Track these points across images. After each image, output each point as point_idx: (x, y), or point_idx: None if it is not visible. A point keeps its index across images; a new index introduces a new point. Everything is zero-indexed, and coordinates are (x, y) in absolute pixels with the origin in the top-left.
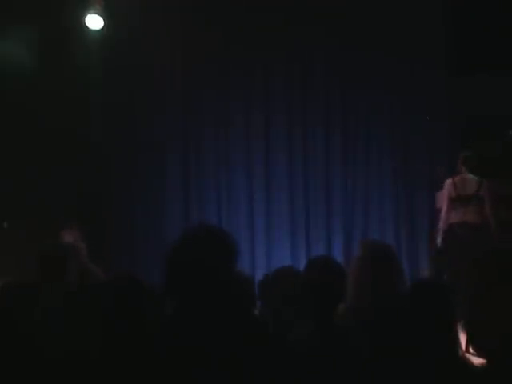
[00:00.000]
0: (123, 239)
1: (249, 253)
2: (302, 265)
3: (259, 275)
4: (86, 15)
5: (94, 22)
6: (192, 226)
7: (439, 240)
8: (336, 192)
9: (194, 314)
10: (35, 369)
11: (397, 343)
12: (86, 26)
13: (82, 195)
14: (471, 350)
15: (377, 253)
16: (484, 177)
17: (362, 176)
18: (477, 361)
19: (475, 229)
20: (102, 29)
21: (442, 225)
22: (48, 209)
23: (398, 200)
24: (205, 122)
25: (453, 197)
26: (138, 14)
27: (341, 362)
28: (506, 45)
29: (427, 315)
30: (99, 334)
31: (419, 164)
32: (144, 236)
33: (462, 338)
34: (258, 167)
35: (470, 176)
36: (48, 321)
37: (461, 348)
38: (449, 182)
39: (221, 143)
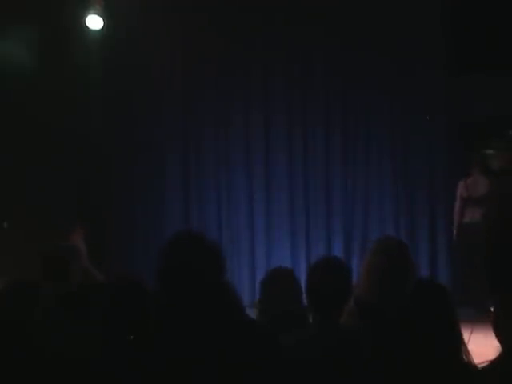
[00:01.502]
0: (123, 239)
1: (249, 253)
2: (302, 265)
3: (259, 275)
4: (86, 15)
5: (94, 22)
6: (176, 233)
7: (454, 237)
8: (336, 192)
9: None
10: (35, 369)
11: (397, 343)
12: (86, 26)
13: (82, 195)
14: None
15: (391, 249)
16: (494, 176)
17: (362, 176)
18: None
19: None
20: (101, 29)
21: (455, 223)
22: (48, 209)
23: (398, 200)
24: (205, 122)
25: (465, 197)
26: (138, 13)
27: (341, 363)
28: (505, 45)
29: (427, 315)
30: (99, 334)
31: (419, 164)
32: (144, 236)
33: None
34: (257, 167)
35: (482, 177)
36: (48, 321)
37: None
38: (461, 183)
39: (221, 143)
